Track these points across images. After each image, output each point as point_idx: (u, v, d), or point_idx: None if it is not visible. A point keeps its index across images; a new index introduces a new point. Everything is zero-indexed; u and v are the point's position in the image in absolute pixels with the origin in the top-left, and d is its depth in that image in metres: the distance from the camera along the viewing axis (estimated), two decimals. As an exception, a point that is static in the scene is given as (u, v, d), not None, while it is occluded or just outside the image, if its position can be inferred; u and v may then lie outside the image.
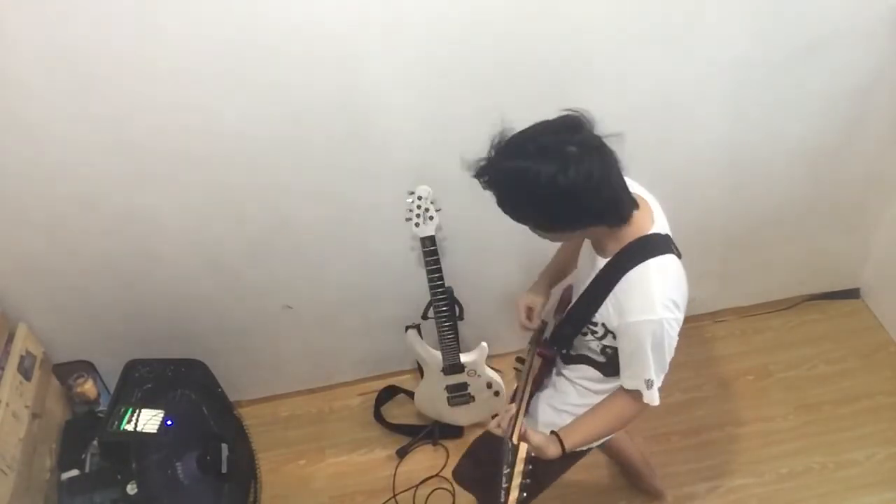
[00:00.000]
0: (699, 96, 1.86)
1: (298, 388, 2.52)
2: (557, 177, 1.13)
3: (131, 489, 1.77)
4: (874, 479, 2.09)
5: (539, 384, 1.63)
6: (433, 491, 2.22)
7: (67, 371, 2.14)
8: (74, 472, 1.96)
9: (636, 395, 1.36)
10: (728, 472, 2.15)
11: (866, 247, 2.44)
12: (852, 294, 2.57)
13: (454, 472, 1.85)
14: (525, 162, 1.16)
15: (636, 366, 1.32)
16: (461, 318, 2.01)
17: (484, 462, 1.58)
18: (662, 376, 1.33)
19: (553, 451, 1.38)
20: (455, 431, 2.33)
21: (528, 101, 1.77)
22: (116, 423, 1.78)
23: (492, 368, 2.12)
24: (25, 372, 1.97)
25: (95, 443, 1.97)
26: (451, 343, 1.98)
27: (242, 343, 2.29)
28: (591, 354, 1.50)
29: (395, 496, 2.21)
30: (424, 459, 2.30)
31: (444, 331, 1.95)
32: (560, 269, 1.69)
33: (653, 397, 1.33)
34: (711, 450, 2.21)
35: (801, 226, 2.29)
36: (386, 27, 1.57)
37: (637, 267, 1.27)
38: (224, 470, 1.95)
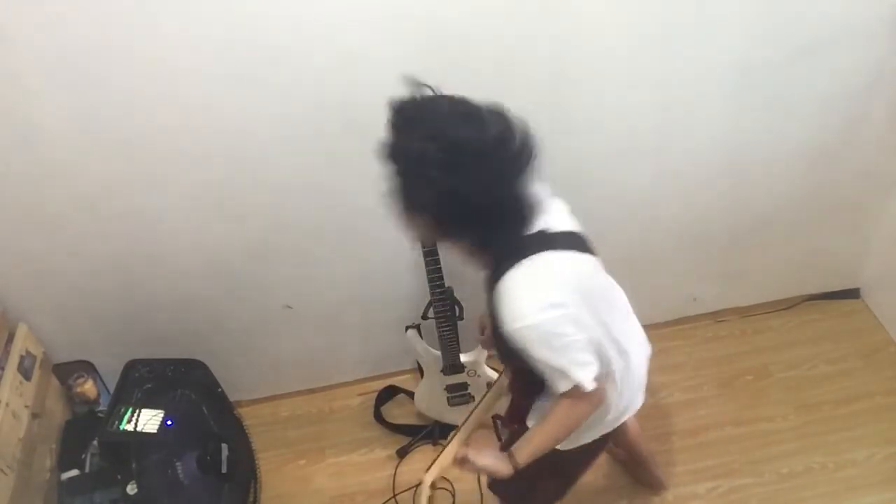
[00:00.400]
0: (699, 96, 1.86)
1: (298, 388, 2.52)
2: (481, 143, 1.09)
3: (131, 489, 1.77)
4: (874, 479, 2.09)
5: (531, 394, 1.58)
6: (433, 491, 2.21)
7: (67, 371, 2.14)
8: (74, 472, 1.96)
9: (571, 395, 1.31)
10: (728, 472, 2.15)
11: (866, 247, 2.44)
12: (852, 294, 2.57)
13: (489, 484, 1.84)
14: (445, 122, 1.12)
15: (547, 368, 1.27)
16: (461, 318, 2.01)
17: (518, 472, 1.55)
18: (589, 368, 1.27)
19: (504, 468, 1.37)
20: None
21: (528, 101, 1.77)
22: (116, 423, 1.78)
23: (492, 368, 2.12)
24: (25, 372, 1.97)
25: (95, 443, 1.97)
26: (451, 343, 1.98)
27: (242, 343, 2.29)
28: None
29: (395, 496, 2.21)
30: (424, 459, 2.29)
31: (444, 331, 1.95)
32: None
33: (582, 382, 1.26)
34: (711, 450, 2.21)
35: (801, 226, 2.29)
36: (386, 26, 1.58)
37: (502, 278, 1.23)
38: (224, 470, 1.95)
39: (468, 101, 1.17)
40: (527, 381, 1.50)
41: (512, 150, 1.14)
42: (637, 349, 1.50)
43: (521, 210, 1.21)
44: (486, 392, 1.67)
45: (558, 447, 1.45)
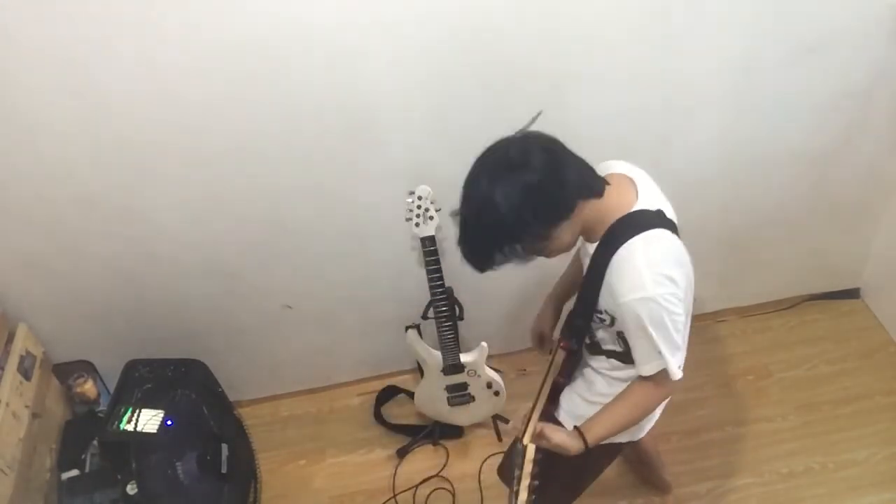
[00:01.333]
0: (699, 96, 1.86)
1: (298, 388, 2.52)
2: (516, 180, 1.15)
3: (131, 489, 1.78)
4: (874, 479, 2.09)
5: (569, 375, 1.60)
6: (433, 491, 2.21)
7: (67, 371, 2.14)
8: (74, 472, 1.96)
9: (654, 380, 1.33)
10: (728, 472, 2.15)
11: (866, 247, 2.44)
12: (852, 294, 2.57)
13: (499, 469, 1.84)
14: (480, 191, 1.19)
15: (644, 348, 1.29)
16: (461, 318, 2.01)
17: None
18: (679, 355, 1.31)
19: (575, 446, 1.36)
20: (455, 431, 2.33)
21: (528, 101, 1.78)
22: (116, 423, 1.78)
23: (492, 368, 2.12)
24: (25, 372, 1.97)
25: (95, 443, 1.98)
26: (451, 343, 1.98)
27: (242, 343, 2.29)
28: (607, 344, 1.48)
29: (395, 496, 2.21)
30: (424, 459, 2.30)
31: (444, 331, 1.95)
32: (566, 289, 1.67)
33: (673, 370, 1.29)
34: (711, 450, 2.21)
35: (801, 226, 2.29)
36: (386, 26, 1.58)
37: (623, 246, 1.24)
38: (224, 470, 1.95)
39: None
40: (572, 367, 1.54)
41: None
42: None
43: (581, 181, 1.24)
44: (549, 368, 1.63)
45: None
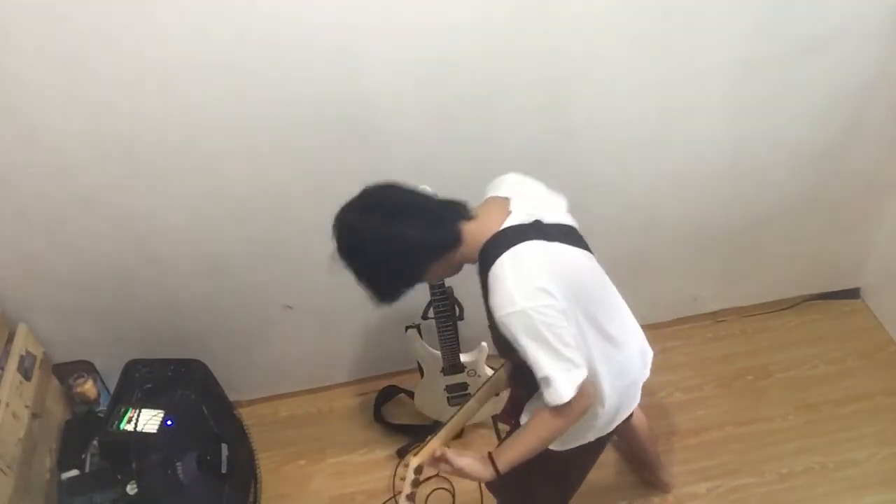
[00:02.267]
0: (699, 96, 1.86)
1: (298, 388, 2.52)
2: (355, 238, 1.31)
3: (131, 489, 1.78)
4: (874, 479, 2.09)
5: (529, 387, 1.60)
6: (433, 491, 2.21)
7: (67, 371, 2.14)
8: (74, 472, 1.96)
9: (550, 406, 1.28)
10: (728, 472, 2.15)
11: (866, 247, 2.44)
12: (852, 294, 2.57)
13: (486, 483, 1.83)
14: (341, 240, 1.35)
15: (530, 363, 1.26)
16: (461, 318, 2.01)
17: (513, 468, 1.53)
18: (576, 372, 1.25)
19: (485, 473, 1.36)
20: (455, 431, 2.33)
21: (528, 101, 1.78)
22: (116, 423, 1.78)
23: (492, 368, 2.12)
24: (25, 372, 1.97)
25: (95, 443, 1.97)
26: (451, 343, 1.98)
27: (242, 343, 2.29)
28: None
29: (395, 496, 2.21)
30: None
31: (444, 331, 1.95)
32: None
33: (555, 394, 1.24)
34: (711, 450, 2.20)
35: (801, 226, 2.29)
36: (386, 27, 1.58)
37: (493, 265, 1.26)
38: (224, 470, 1.95)
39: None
40: (525, 377, 1.48)
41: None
42: (632, 349, 1.49)
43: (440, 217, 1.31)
44: (481, 386, 1.66)
45: (552, 447, 1.44)
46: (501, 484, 1.45)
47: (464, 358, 2.05)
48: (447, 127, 1.78)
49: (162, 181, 1.79)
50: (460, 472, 1.39)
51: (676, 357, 2.43)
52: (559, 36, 1.66)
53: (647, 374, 1.54)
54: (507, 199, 1.35)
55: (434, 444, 1.46)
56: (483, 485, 1.83)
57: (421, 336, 2.06)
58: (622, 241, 2.18)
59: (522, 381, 1.53)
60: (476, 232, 1.31)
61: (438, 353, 2.03)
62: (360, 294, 2.22)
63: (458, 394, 2.15)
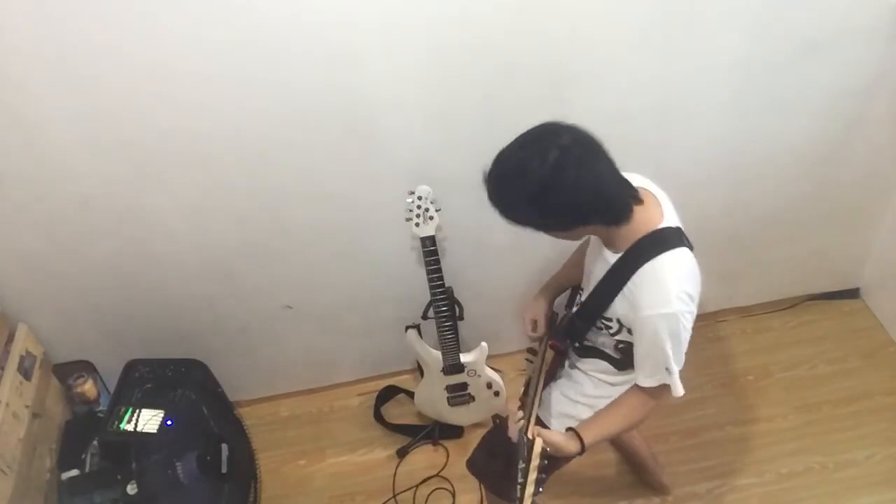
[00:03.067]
0: (699, 96, 1.86)
1: (298, 388, 2.52)
2: (543, 169, 1.15)
3: (131, 489, 1.78)
4: (874, 479, 2.09)
5: (552, 375, 1.63)
6: (433, 491, 2.21)
7: (67, 371, 2.14)
8: (74, 472, 1.96)
9: (652, 391, 1.37)
10: (728, 472, 2.15)
11: (866, 247, 2.44)
12: (852, 294, 2.57)
13: (468, 462, 1.84)
14: (511, 161, 1.20)
15: (654, 359, 1.32)
16: (461, 318, 2.01)
17: (497, 454, 1.56)
18: (677, 368, 1.34)
19: (573, 448, 1.38)
20: (455, 431, 2.33)
21: (529, 101, 1.78)
22: (116, 423, 1.78)
23: (492, 368, 2.12)
24: (25, 372, 1.97)
25: (95, 443, 1.97)
26: (451, 343, 1.98)
27: (242, 343, 2.29)
28: (604, 349, 1.51)
29: (395, 496, 2.21)
30: (424, 459, 2.30)
31: (444, 331, 1.95)
32: (565, 280, 1.71)
33: (676, 387, 1.34)
34: (711, 450, 2.21)
35: (801, 226, 2.29)
36: (386, 27, 1.57)
37: (650, 261, 1.28)
38: (224, 470, 1.95)
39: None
40: (555, 367, 1.58)
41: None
42: None
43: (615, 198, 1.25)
44: (543, 358, 1.64)
45: None
46: (487, 469, 1.45)
47: (464, 358, 2.05)
48: (447, 127, 1.78)
49: (162, 181, 1.79)
50: (553, 446, 1.38)
51: (676, 357, 2.43)
52: (560, 36, 1.66)
53: None
54: (656, 198, 1.36)
55: (535, 416, 1.47)
56: (468, 469, 1.84)
57: (421, 336, 2.06)
58: (622, 241, 2.18)
59: (551, 371, 1.58)
60: (640, 220, 1.30)
61: (438, 353, 2.03)
62: (360, 294, 2.24)
63: (458, 394, 2.16)
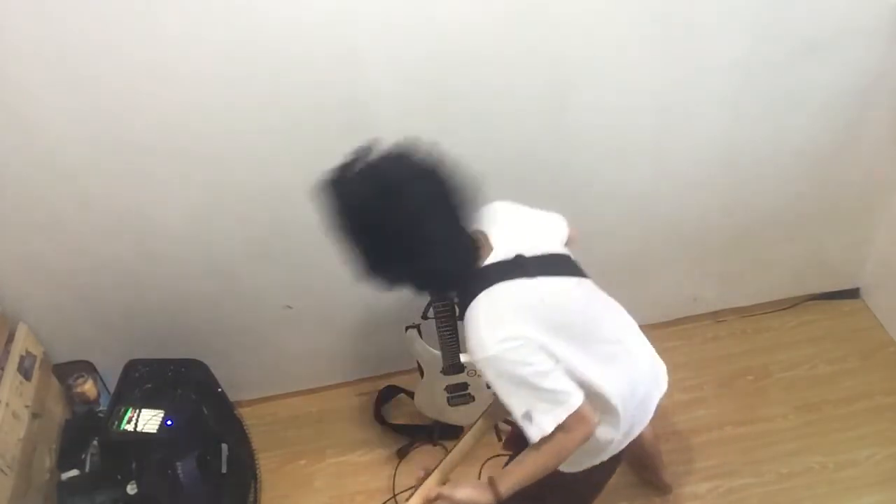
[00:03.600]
0: (699, 96, 1.86)
1: (298, 388, 2.52)
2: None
3: (131, 489, 1.78)
4: (874, 479, 2.09)
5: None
6: None
7: (67, 371, 2.14)
8: (74, 472, 1.96)
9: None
10: (728, 472, 2.15)
11: (866, 247, 2.44)
12: (852, 294, 2.57)
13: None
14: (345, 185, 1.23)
15: (508, 403, 1.26)
16: (461, 318, 2.00)
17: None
18: (571, 400, 1.24)
19: (485, 498, 1.32)
20: (455, 431, 2.32)
21: (528, 102, 1.78)
22: (116, 423, 1.78)
23: (492, 368, 2.12)
24: (25, 372, 1.97)
25: (95, 443, 1.97)
26: (451, 343, 1.98)
27: (242, 343, 2.29)
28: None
29: (395, 496, 2.21)
30: (424, 459, 2.29)
31: (444, 331, 1.95)
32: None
33: (536, 429, 1.24)
34: (711, 450, 2.21)
35: (801, 226, 2.29)
36: (386, 27, 1.58)
37: (469, 306, 1.27)
38: (224, 470, 1.95)
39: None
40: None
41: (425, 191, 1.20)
42: (640, 366, 1.45)
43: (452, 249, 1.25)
44: (474, 423, 1.62)
45: (561, 469, 1.41)
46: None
47: (464, 358, 2.05)
48: (447, 128, 1.78)
49: (162, 181, 1.79)
50: (462, 503, 1.34)
51: (676, 357, 2.43)
52: (560, 36, 1.66)
53: (663, 386, 1.51)
54: (486, 235, 1.33)
55: (429, 485, 1.42)
56: None
57: (421, 336, 2.06)
58: (622, 242, 2.18)
59: None
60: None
61: (438, 353, 2.03)
62: (360, 294, 2.23)
63: (458, 394, 2.15)
